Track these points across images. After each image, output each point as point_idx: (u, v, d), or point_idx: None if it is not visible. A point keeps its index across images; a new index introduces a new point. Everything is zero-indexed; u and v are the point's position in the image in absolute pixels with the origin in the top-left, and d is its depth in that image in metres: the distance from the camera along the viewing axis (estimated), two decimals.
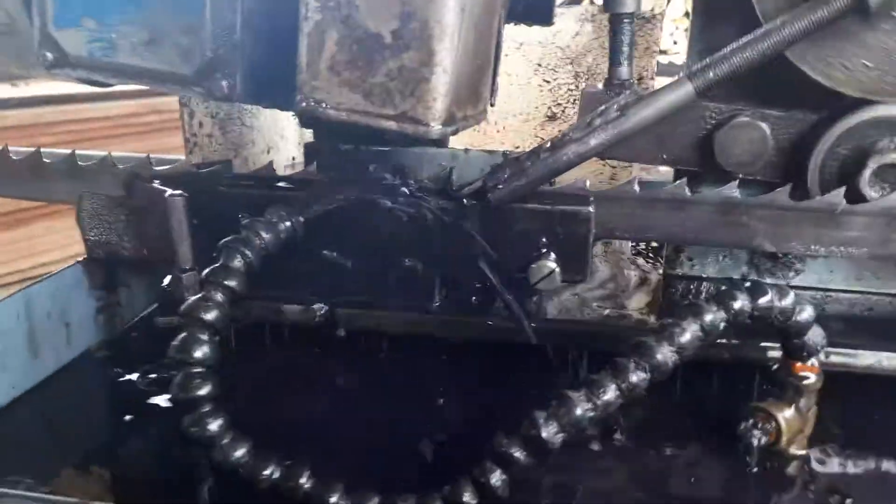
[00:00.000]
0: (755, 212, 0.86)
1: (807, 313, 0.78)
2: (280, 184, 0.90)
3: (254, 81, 0.72)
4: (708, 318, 0.73)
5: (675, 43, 2.79)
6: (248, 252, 0.73)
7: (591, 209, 0.89)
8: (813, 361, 0.80)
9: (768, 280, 1.08)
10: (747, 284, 0.76)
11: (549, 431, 0.68)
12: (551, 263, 0.90)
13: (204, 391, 0.66)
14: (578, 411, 0.69)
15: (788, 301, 0.76)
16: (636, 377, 0.71)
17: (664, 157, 1.00)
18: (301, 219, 0.79)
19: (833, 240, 0.85)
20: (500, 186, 0.87)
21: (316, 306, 0.98)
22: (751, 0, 0.87)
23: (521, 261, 0.90)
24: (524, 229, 0.90)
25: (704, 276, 1.10)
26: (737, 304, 0.74)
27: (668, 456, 0.88)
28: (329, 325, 0.99)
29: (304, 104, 0.66)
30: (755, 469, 0.80)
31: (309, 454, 0.72)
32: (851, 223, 0.84)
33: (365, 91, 0.64)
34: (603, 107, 0.86)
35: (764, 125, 0.93)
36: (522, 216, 0.89)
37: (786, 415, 0.80)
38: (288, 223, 0.78)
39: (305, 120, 0.94)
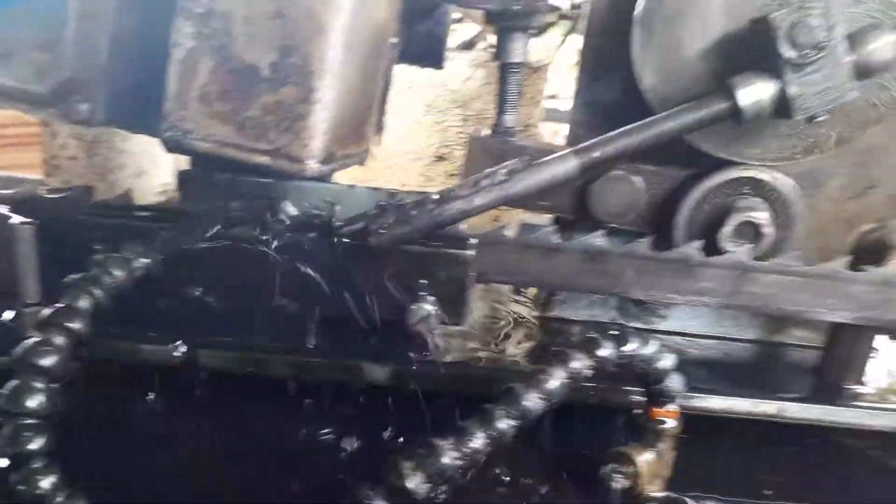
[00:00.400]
0: (619, 260, 0.90)
1: (668, 361, 0.81)
2: (141, 213, 0.85)
3: (119, 105, 0.68)
4: (575, 365, 0.75)
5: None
6: (96, 291, 0.68)
7: (471, 253, 0.90)
8: (672, 407, 0.84)
9: (635, 324, 1.13)
10: (613, 332, 0.79)
11: (415, 482, 0.67)
12: (429, 306, 0.89)
13: (35, 445, 0.60)
14: (446, 460, 0.68)
15: (650, 349, 0.80)
16: (504, 424, 0.71)
17: (544, 204, 1.03)
18: (160, 257, 0.74)
19: (690, 289, 0.90)
20: (382, 231, 0.86)
21: (175, 346, 0.92)
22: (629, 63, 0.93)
23: (400, 302, 0.90)
24: (404, 271, 0.90)
25: (576, 319, 1.13)
26: (602, 352, 0.76)
27: (533, 498, 0.88)
28: (190, 367, 0.93)
29: (170, 133, 0.63)
30: None
31: None
32: (706, 274, 0.89)
33: (238, 124, 0.62)
34: (492, 169, 0.88)
35: (637, 179, 0.98)
36: (403, 257, 0.89)
37: (645, 458, 0.83)
38: (144, 260, 0.73)
39: (171, 149, 0.90)
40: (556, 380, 0.74)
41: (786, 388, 0.99)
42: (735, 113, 0.80)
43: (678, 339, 1.11)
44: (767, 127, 0.90)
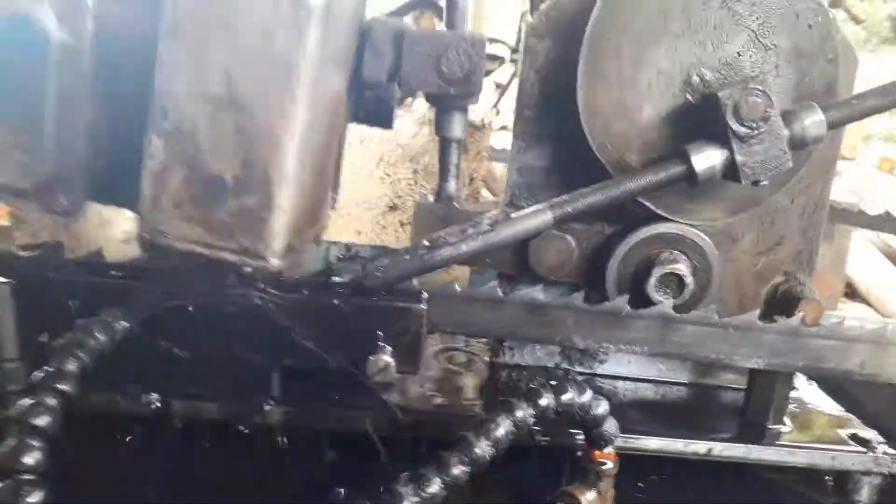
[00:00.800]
0: (558, 312, 1.00)
1: (602, 408, 0.90)
2: (113, 272, 0.90)
3: (95, 189, 0.74)
4: (519, 414, 0.83)
5: None
6: (82, 354, 0.73)
7: (423, 306, 0.97)
8: (609, 449, 0.92)
9: (578, 368, 1.22)
10: (552, 382, 0.87)
11: None
12: (387, 357, 0.96)
13: (34, 499, 0.65)
14: None
15: (586, 397, 0.88)
16: (458, 470, 0.78)
17: (488, 261, 1.11)
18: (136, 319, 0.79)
19: (621, 339, 1.00)
20: (378, 274, 0.94)
21: (151, 398, 0.97)
22: (557, 132, 1.03)
23: (357, 354, 0.96)
24: (361, 324, 0.97)
25: (523, 364, 1.21)
26: (543, 402, 0.85)
27: None
28: (164, 417, 0.98)
29: (146, 234, 0.69)
30: None
31: None
32: (635, 325, 0.99)
33: (207, 226, 0.69)
34: (477, 219, 0.97)
35: (569, 237, 1.07)
36: (359, 311, 0.96)
37: (588, 497, 0.91)
38: (124, 323, 0.78)
39: (146, 248, 0.96)
40: (502, 428, 0.81)
41: (715, 428, 1.10)
42: (690, 176, 0.91)
43: (617, 382, 1.21)
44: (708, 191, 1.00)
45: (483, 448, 0.80)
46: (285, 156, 0.68)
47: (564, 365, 1.22)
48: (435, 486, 0.77)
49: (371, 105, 1.21)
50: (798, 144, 0.92)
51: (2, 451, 0.66)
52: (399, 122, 1.35)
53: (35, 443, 0.66)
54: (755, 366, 1.01)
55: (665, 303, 1.00)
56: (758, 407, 1.08)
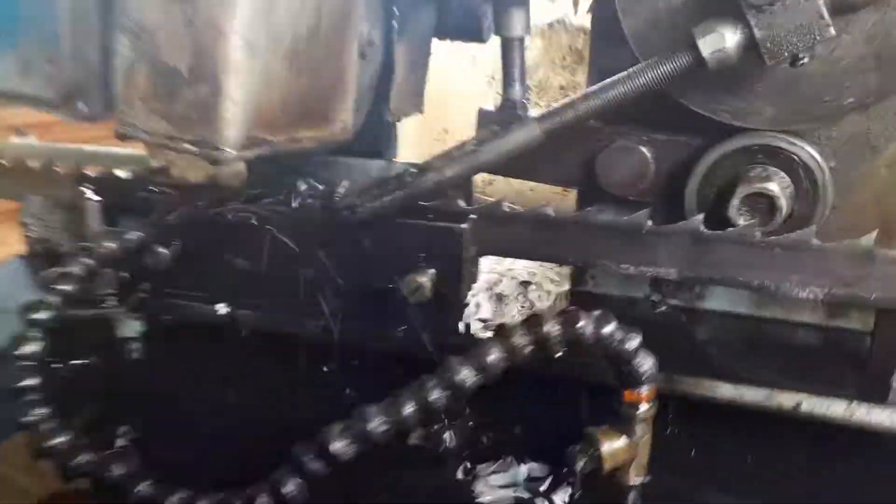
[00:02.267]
0: (570, 228, 0.87)
1: (633, 341, 0.78)
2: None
3: (112, 98, 0.80)
4: (516, 340, 0.75)
5: None
6: (87, 260, 0.82)
7: (463, 226, 0.92)
8: (643, 389, 0.80)
9: (673, 302, 1.07)
10: (567, 311, 0.77)
11: (338, 445, 0.72)
12: (420, 277, 0.93)
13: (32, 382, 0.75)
14: (372, 425, 0.73)
15: (609, 328, 0.77)
16: (437, 394, 0.74)
17: (557, 176, 1.01)
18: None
19: (642, 259, 0.84)
20: (368, 204, 0.92)
21: (218, 307, 1.05)
22: None
23: (396, 275, 0.94)
24: (401, 244, 0.94)
25: (608, 294, 1.09)
26: (547, 328, 0.75)
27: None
28: (232, 326, 1.05)
29: (122, 130, 0.73)
30: (578, 493, 0.81)
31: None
32: (658, 243, 0.83)
33: (171, 119, 0.71)
34: (463, 140, 0.89)
35: (644, 149, 0.92)
36: (396, 231, 0.93)
37: (613, 444, 0.80)
38: (137, 234, 0.85)
39: (123, 139, 1.02)
40: (493, 354, 0.74)
41: (823, 380, 0.89)
42: (700, 64, 0.73)
43: (722, 320, 1.04)
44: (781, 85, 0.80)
45: (465, 374, 0.73)
46: (227, 44, 0.67)
47: (655, 296, 1.08)
48: (408, 409, 0.73)
49: (458, 17, 1.15)
50: (842, 7, 0.70)
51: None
52: None
53: (34, 334, 0.76)
54: (811, 296, 0.79)
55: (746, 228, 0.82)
56: (881, 357, 0.85)
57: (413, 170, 0.90)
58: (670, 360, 0.84)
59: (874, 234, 0.79)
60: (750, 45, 0.71)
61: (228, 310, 1.03)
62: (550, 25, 1.29)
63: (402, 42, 1.04)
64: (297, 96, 0.76)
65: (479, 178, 1.33)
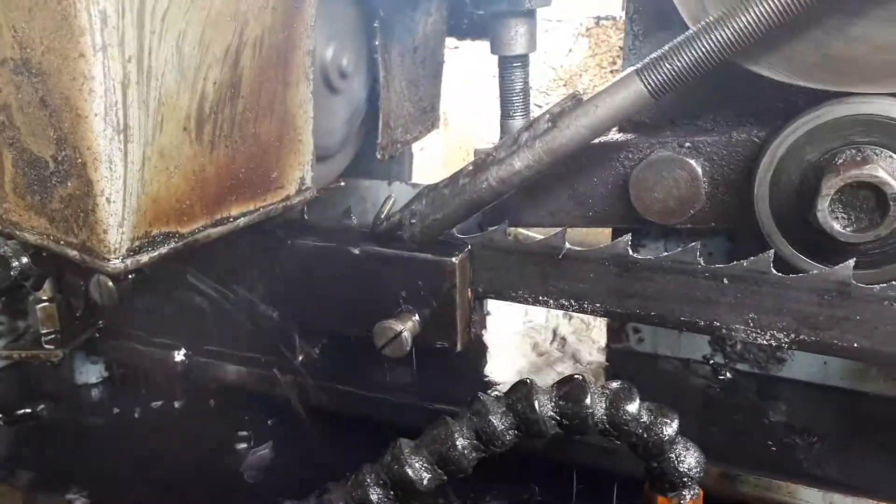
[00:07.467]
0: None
1: (668, 428, 0.54)
2: None
3: None
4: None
5: None
6: None
7: (453, 260, 0.72)
8: (685, 496, 0.55)
9: (741, 367, 0.82)
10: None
11: None
12: (398, 324, 0.73)
13: None
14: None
15: (631, 408, 0.53)
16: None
17: (586, 215, 0.78)
18: None
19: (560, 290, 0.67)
20: (414, 221, 0.73)
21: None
22: None
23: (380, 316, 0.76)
24: (384, 279, 0.76)
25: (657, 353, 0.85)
26: (537, 405, 0.53)
27: None
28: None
29: (2, 227, 0.59)
30: None
31: None
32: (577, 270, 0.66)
33: (48, 217, 0.56)
34: (532, 119, 0.69)
35: (692, 161, 0.69)
36: (380, 263, 0.75)
37: None
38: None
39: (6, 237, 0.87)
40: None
41: None
42: None
43: (804, 390, 0.78)
44: None
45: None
46: (87, 128, 0.50)
47: (718, 359, 0.83)
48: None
49: (468, 14, 0.95)
50: None
51: None
52: (548, 37, 1.07)
53: None
54: (769, 342, 0.59)
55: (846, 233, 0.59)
56: None
57: (469, 169, 0.70)
58: (733, 450, 0.67)
59: (851, 262, 0.58)
60: None
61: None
62: (598, 22, 1.07)
63: (391, 56, 0.84)
64: (217, 169, 0.59)
65: None
